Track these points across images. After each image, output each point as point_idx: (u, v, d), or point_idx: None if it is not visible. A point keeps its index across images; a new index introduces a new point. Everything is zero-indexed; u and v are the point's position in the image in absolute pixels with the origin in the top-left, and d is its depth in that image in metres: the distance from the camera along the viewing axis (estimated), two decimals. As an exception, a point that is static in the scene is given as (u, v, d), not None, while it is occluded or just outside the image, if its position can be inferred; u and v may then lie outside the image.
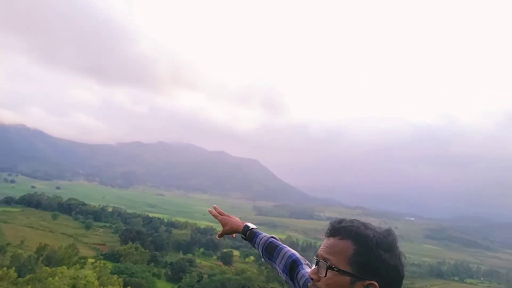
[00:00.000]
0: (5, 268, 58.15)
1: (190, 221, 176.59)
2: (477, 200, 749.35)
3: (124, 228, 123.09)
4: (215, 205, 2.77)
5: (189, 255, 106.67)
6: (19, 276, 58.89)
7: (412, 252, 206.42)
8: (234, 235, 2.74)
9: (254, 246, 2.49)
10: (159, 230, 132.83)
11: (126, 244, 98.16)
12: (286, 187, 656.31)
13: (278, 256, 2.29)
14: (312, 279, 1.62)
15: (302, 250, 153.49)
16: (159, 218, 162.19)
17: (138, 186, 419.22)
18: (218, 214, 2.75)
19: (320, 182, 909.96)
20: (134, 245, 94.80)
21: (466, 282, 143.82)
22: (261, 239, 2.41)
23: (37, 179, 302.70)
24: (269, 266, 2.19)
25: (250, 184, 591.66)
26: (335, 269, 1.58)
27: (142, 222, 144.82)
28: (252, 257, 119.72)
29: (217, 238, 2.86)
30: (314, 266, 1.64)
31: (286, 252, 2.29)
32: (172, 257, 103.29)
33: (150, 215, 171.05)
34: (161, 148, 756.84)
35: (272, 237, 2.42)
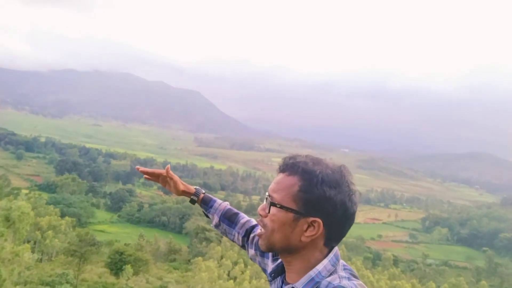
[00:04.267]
0: None
1: (129, 152, 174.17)
2: (407, 132, 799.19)
3: (59, 158, 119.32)
4: (168, 166, 2.47)
5: (129, 186, 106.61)
6: None
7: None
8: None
9: (206, 210, 2.44)
10: (97, 161, 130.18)
11: (62, 175, 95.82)
12: (228, 119, 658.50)
13: (238, 223, 2.31)
14: (260, 215, 1.64)
15: (242, 180, 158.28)
16: (96, 149, 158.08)
17: (73, 115, 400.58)
18: (171, 173, 2.45)
19: (261, 114, 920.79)
20: (70, 175, 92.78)
21: (390, 208, 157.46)
22: (219, 204, 2.40)
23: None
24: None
25: (191, 116, 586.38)
26: (278, 206, 1.57)
27: (78, 153, 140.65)
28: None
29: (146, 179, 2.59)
30: (264, 202, 1.64)
31: (248, 220, 2.32)
32: (111, 187, 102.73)
33: (87, 145, 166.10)
34: (97, 77, 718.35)
35: (226, 202, 2.44)
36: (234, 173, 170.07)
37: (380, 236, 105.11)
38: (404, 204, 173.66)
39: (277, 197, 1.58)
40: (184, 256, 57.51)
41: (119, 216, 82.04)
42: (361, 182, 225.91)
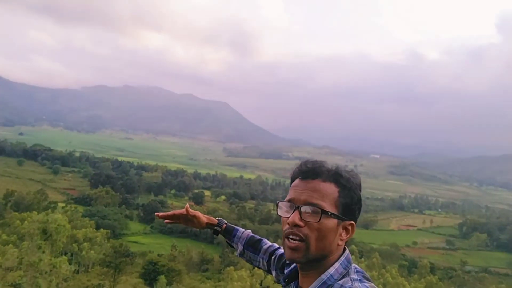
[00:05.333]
0: (-28, 215, 57.48)
1: (160, 164, 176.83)
2: (439, 137, 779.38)
3: (93, 172, 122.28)
4: (187, 205, 2.49)
5: (161, 197, 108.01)
6: (-13, 221, 58.43)
7: (376, 187, 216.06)
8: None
9: (230, 239, 2.48)
10: (129, 173, 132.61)
11: (96, 188, 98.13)
12: (256, 128, 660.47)
13: (261, 249, 2.34)
14: (298, 225, 1.60)
15: (272, 189, 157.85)
16: (128, 162, 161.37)
17: (105, 130, 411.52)
18: (192, 211, 2.43)
19: (288, 123, 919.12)
20: (104, 188, 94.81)
21: (424, 214, 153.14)
22: (242, 233, 2.44)
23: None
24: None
25: (220, 127, 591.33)
26: (329, 214, 1.59)
27: (111, 166, 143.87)
28: (223, 197, 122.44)
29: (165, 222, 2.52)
30: (292, 212, 1.62)
31: (270, 246, 2.35)
32: (143, 199, 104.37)
33: (119, 159, 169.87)
34: (127, 92, 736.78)
35: (248, 230, 2.50)
36: (263, 182, 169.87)
37: (415, 243, 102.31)
38: (440, 210, 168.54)
39: (324, 205, 1.59)
40: (216, 266, 57.65)
41: (151, 227, 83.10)
42: (393, 188, 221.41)
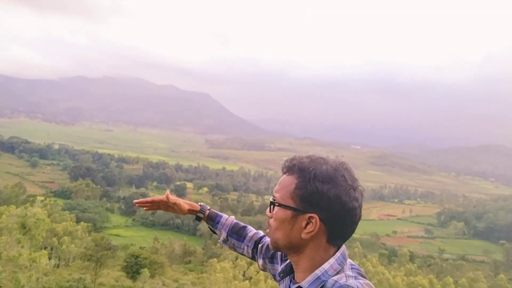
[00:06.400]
0: None
1: (141, 156, 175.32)
2: (418, 127, 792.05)
3: (73, 165, 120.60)
4: (167, 192, 2.39)
5: (142, 189, 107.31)
6: (-37, 216, 57.03)
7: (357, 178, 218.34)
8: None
9: (213, 226, 2.44)
10: (110, 166, 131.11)
11: (76, 181, 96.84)
12: (238, 120, 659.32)
13: (246, 236, 2.32)
14: (268, 216, 1.70)
15: (254, 180, 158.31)
16: (109, 154, 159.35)
17: (85, 122, 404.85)
18: (172, 198, 2.35)
19: (270, 114, 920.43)
20: (84, 181, 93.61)
21: (404, 203, 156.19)
22: (226, 220, 2.40)
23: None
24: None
25: (201, 118, 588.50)
26: (276, 204, 1.64)
27: (91, 158, 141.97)
28: (205, 189, 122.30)
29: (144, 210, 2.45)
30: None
31: (256, 232, 2.32)
32: (125, 191, 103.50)
33: (100, 151, 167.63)
34: (107, 83, 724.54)
35: (232, 217, 2.45)
36: (246, 174, 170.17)
37: (395, 232, 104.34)
38: (419, 199, 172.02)
39: (277, 196, 1.66)
40: (199, 257, 57.76)
41: (133, 220, 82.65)
42: (373, 178, 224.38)
